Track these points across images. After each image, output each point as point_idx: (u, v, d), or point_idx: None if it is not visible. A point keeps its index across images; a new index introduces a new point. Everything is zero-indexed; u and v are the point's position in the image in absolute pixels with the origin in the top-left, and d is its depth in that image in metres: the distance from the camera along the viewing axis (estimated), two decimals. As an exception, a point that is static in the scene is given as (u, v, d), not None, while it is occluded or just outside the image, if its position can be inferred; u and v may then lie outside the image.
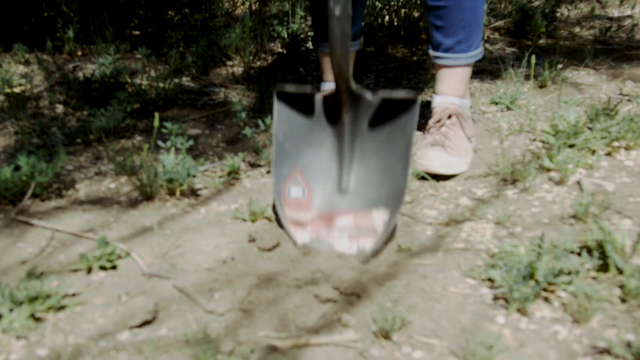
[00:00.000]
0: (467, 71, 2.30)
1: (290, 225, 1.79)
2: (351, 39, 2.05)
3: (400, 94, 1.81)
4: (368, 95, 1.85)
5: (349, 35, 1.73)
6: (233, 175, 2.15)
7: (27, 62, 3.14)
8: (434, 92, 2.34)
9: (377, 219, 1.77)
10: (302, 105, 1.92)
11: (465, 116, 2.27)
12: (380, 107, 1.86)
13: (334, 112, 1.90)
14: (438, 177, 2.14)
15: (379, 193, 1.83)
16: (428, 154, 2.13)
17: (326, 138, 1.92)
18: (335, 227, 1.79)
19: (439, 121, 2.24)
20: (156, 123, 2.00)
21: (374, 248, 1.69)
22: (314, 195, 1.87)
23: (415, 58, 3.26)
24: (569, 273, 1.58)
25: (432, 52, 2.30)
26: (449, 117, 2.25)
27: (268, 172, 2.20)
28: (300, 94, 1.90)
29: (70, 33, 3.18)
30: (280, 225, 1.85)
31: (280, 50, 3.35)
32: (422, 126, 2.39)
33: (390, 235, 1.74)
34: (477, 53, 2.28)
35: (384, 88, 2.88)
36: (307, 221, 1.80)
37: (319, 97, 1.91)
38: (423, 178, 2.13)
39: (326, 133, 1.92)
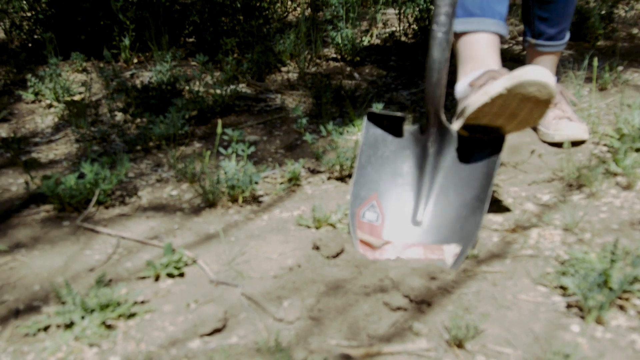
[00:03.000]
0: (560, 54, 2.53)
1: (360, 246, 1.78)
2: (504, 19, 2.05)
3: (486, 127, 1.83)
4: (454, 129, 1.87)
5: (447, 61, 1.75)
6: (294, 181, 2.14)
7: (85, 71, 3.18)
8: None
9: (448, 252, 1.74)
10: (391, 132, 1.93)
11: (565, 91, 2.47)
12: (466, 140, 1.88)
13: (420, 143, 1.90)
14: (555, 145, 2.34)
15: (454, 229, 1.80)
16: (566, 124, 2.33)
17: (408, 169, 1.91)
18: (404, 256, 1.77)
19: None
20: (219, 130, 2.01)
21: None
22: (386, 223, 1.85)
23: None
24: (644, 281, 1.54)
25: (532, 40, 2.47)
26: (560, 93, 2.45)
27: (329, 178, 2.19)
28: (390, 120, 1.91)
29: (127, 41, 3.21)
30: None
31: (335, 55, 3.34)
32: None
33: (457, 268, 1.71)
34: (568, 38, 2.49)
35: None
36: (376, 246, 1.78)
37: (408, 127, 1.92)
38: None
39: (409, 164, 1.91)
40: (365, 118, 1.91)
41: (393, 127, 1.93)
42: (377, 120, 1.92)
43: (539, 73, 1.67)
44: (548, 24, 2.41)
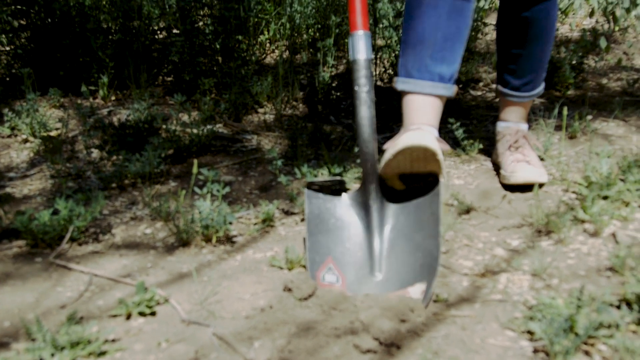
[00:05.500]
0: (529, 105, 2.61)
1: None
2: (447, 80, 2.22)
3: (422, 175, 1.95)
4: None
5: (374, 117, 1.92)
6: (268, 222, 2.16)
7: (62, 107, 3.20)
8: (498, 119, 2.66)
9: (414, 292, 1.76)
10: (333, 196, 1.99)
11: (530, 137, 2.57)
12: (405, 191, 1.98)
13: (362, 202, 1.95)
14: (515, 189, 2.41)
15: (414, 270, 1.83)
16: (524, 167, 2.40)
17: (355, 230, 1.95)
18: None
19: (516, 142, 2.52)
20: (195, 170, 2.03)
21: None
22: (347, 282, 1.86)
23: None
24: (609, 326, 1.57)
25: (500, 88, 2.60)
26: (524, 137, 2.54)
27: (302, 220, 2.21)
28: (330, 186, 1.98)
29: (105, 78, 3.24)
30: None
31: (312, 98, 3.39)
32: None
33: (428, 303, 1.74)
34: (539, 91, 2.59)
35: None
36: None
37: (345, 195, 1.98)
38: (467, 212, 2.14)
39: (355, 226, 1.95)
40: (305, 190, 1.96)
41: (334, 192, 1.99)
42: (317, 189, 1.97)
43: (415, 139, 1.89)
44: (514, 76, 2.53)
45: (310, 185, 1.96)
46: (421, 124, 2.15)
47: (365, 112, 1.91)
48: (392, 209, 1.95)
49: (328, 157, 2.54)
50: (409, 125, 2.19)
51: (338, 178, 1.99)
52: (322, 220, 1.95)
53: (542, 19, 2.39)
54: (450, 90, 2.23)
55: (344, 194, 1.99)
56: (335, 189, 1.99)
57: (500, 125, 2.62)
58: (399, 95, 2.27)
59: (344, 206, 1.97)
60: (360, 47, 1.95)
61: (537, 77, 2.53)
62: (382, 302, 1.67)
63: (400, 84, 2.24)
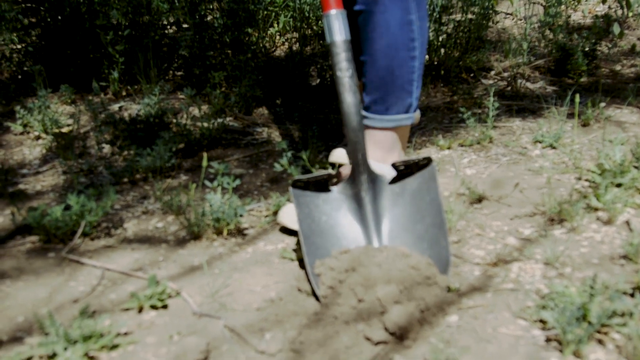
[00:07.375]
0: (387, 137, 2.14)
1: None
2: None
3: (413, 159, 1.87)
4: (381, 172, 1.90)
5: (360, 103, 1.83)
6: (279, 214, 2.16)
7: (73, 103, 3.20)
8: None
9: None
10: (321, 192, 1.89)
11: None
12: (398, 178, 1.90)
13: (353, 195, 1.87)
14: None
15: None
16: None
17: (349, 227, 1.86)
18: None
19: None
20: (204, 163, 2.03)
21: None
22: None
23: (455, 97, 3.26)
24: (623, 315, 1.56)
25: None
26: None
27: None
28: (317, 182, 1.88)
29: (115, 74, 3.24)
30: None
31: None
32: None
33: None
34: (398, 118, 2.12)
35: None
36: None
37: (334, 189, 1.89)
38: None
39: (348, 222, 1.87)
40: (290, 189, 1.85)
41: (321, 188, 1.88)
42: (303, 185, 1.86)
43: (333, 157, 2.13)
44: (365, 91, 2.13)
45: (295, 183, 1.85)
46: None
47: (351, 98, 1.80)
48: (386, 199, 1.87)
49: (339, 148, 2.53)
50: None
51: (324, 172, 1.88)
52: (313, 220, 1.84)
53: (378, 13, 1.99)
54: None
55: (333, 188, 1.89)
56: (323, 183, 1.88)
57: None
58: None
59: (333, 201, 1.87)
60: (336, 27, 1.82)
61: (390, 95, 2.09)
62: (396, 271, 1.65)
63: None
